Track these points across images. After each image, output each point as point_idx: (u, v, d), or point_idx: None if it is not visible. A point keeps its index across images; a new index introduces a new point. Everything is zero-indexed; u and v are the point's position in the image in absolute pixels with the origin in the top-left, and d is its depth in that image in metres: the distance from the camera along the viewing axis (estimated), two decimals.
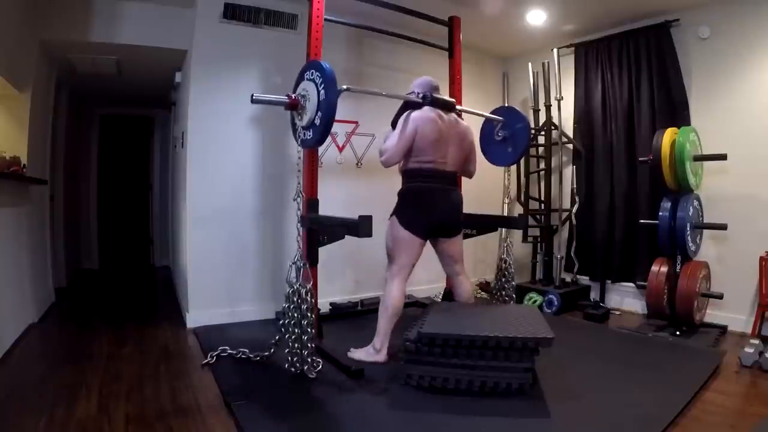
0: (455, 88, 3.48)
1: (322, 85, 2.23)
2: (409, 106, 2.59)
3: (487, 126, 3.26)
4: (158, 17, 3.39)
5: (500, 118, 3.13)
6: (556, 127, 4.15)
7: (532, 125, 4.37)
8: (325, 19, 2.81)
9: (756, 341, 2.74)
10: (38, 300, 3.35)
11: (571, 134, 4.19)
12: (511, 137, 3.09)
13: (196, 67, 3.28)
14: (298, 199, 2.47)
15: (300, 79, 2.45)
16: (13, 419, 1.88)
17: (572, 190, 4.11)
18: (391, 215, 2.56)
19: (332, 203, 3.11)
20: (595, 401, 2.10)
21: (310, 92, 2.30)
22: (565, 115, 4.19)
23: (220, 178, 3.32)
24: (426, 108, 2.53)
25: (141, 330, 3.16)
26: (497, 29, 4.11)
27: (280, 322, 2.35)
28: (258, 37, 3.44)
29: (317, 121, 2.27)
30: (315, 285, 2.78)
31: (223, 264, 3.34)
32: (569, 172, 4.18)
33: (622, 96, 3.84)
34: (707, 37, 3.43)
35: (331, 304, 3.54)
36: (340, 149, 3.66)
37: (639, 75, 3.73)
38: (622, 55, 3.83)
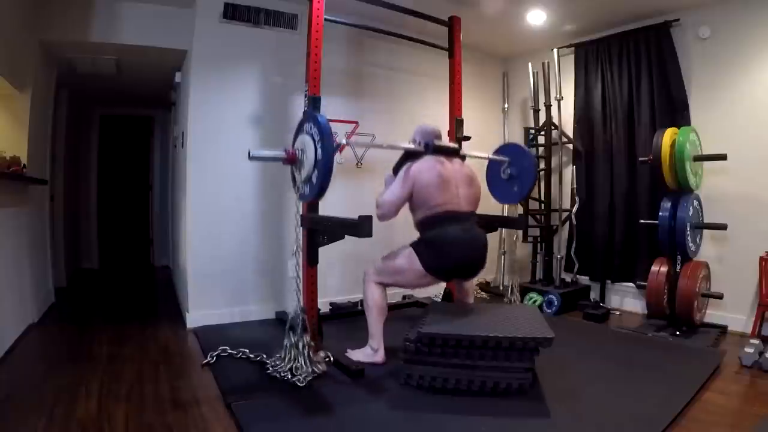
0: (455, 88, 3.48)
1: (319, 143, 2.18)
2: (411, 155, 2.54)
3: (493, 164, 3.21)
4: (158, 17, 3.39)
5: (505, 158, 3.08)
6: (556, 127, 4.15)
7: (532, 125, 4.38)
8: (325, 19, 2.81)
9: (756, 341, 2.74)
10: (38, 300, 3.35)
11: (571, 134, 4.19)
12: (517, 176, 3.04)
13: (196, 67, 3.28)
14: (297, 255, 2.45)
15: (299, 131, 2.41)
16: (13, 419, 1.88)
17: (572, 190, 4.11)
18: (412, 246, 2.45)
19: (332, 203, 3.11)
20: (594, 401, 2.10)
21: (308, 147, 2.25)
22: (565, 115, 4.19)
23: (220, 177, 3.32)
24: (426, 157, 2.49)
25: (141, 330, 3.16)
26: (497, 29, 4.11)
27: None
28: (258, 37, 3.44)
29: (314, 180, 2.21)
30: (315, 285, 2.79)
31: (223, 264, 3.34)
32: (569, 172, 4.18)
33: (622, 96, 3.84)
34: (707, 37, 3.43)
35: (331, 304, 3.54)
36: (341, 149, 3.65)
37: (639, 75, 3.73)
38: (622, 55, 3.83)
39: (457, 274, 2.49)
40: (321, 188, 2.18)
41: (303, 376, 2.23)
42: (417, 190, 2.41)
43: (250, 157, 2.33)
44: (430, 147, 2.51)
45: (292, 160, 2.37)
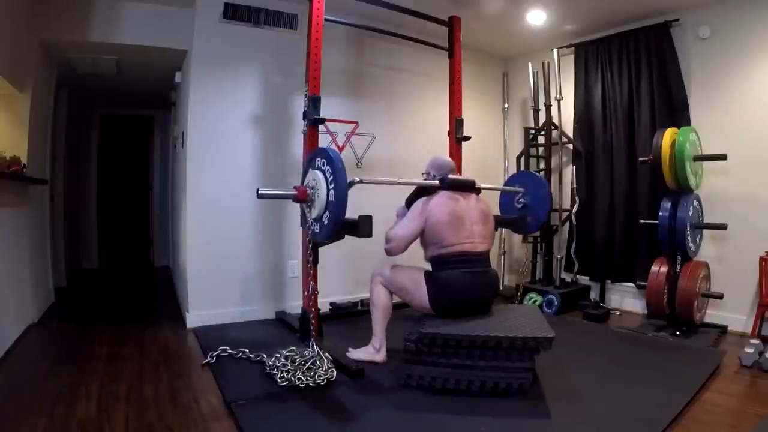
0: (455, 88, 3.49)
1: (332, 184, 2.08)
2: (425, 190, 2.48)
3: (506, 193, 3.18)
4: (158, 17, 3.39)
5: (521, 189, 3.05)
6: (556, 127, 4.15)
7: (532, 125, 4.38)
8: (325, 19, 2.81)
9: (756, 341, 2.75)
10: (38, 300, 3.35)
11: (571, 134, 4.19)
12: (532, 205, 3.00)
13: (196, 67, 3.28)
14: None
15: (309, 165, 2.33)
16: (13, 419, 1.88)
17: (572, 190, 4.11)
18: (425, 276, 2.36)
19: None
20: (594, 401, 2.10)
21: (320, 184, 2.16)
22: (565, 115, 4.19)
23: (220, 178, 3.33)
24: (441, 193, 2.41)
25: (141, 330, 3.16)
26: (497, 29, 4.11)
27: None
28: (258, 37, 3.44)
29: (325, 220, 2.13)
30: (315, 284, 2.78)
31: (223, 264, 3.34)
32: (569, 172, 4.18)
33: (622, 96, 3.84)
34: (707, 37, 3.43)
35: (331, 304, 3.54)
36: (341, 149, 3.64)
37: (639, 75, 3.73)
38: (622, 55, 3.83)
39: (465, 314, 2.34)
40: (333, 230, 2.09)
41: (318, 380, 2.23)
42: (429, 227, 2.33)
43: (259, 195, 2.23)
44: (446, 182, 2.42)
45: (303, 198, 2.26)
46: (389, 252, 2.38)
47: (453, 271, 2.30)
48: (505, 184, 3.25)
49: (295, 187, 2.29)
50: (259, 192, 2.22)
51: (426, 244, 2.41)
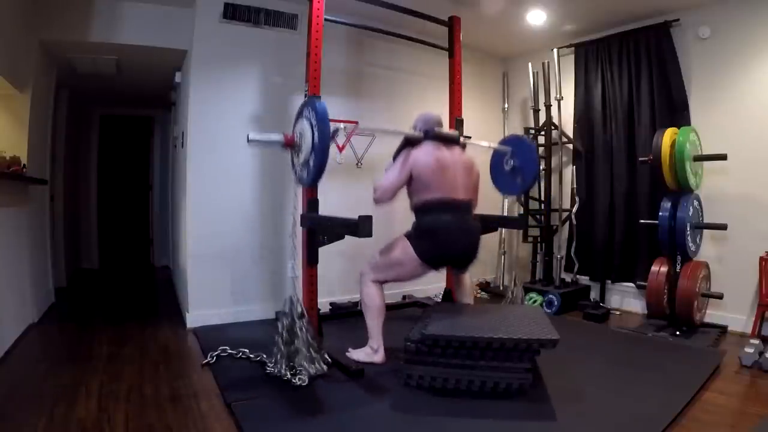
0: (455, 88, 3.48)
1: (316, 128, 2.21)
2: (410, 141, 2.56)
3: (496, 154, 3.22)
4: (158, 17, 3.39)
5: (507, 148, 3.09)
6: (556, 127, 4.15)
7: (532, 125, 4.38)
8: (325, 19, 2.81)
9: (756, 341, 2.75)
10: (38, 300, 3.35)
11: (571, 134, 4.19)
12: (520, 168, 3.04)
13: (196, 67, 3.28)
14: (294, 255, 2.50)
15: (299, 116, 2.44)
16: (13, 419, 1.88)
17: (572, 190, 4.10)
18: (406, 236, 2.47)
19: (332, 203, 3.12)
20: (594, 401, 2.10)
21: (306, 132, 2.29)
22: (565, 115, 4.19)
23: (220, 177, 3.33)
24: (426, 143, 2.51)
25: (141, 330, 3.16)
26: (497, 29, 4.11)
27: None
28: (258, 37, 3.44)
29: (311, 164, 2.27)
30: (315, 285, 2.79)
31: (223, 264, 3.34)
32: (569, 172, 4.18)
33: (622, 96, 3.84)
34: (707, 37, 3.43)
35: (331, 304, 3.54)
36: (340, 149, 3.65)
37: (639, 75, 3.73)
38: (622, 55, 3.83)
39: (449, 262, 2.51)
40: (318, 171, 2.22)
41: (305, 375, 2.22)
42: (415, 175, 2.43)
43: (249, 141, 2.35)
44: (430, 134, 2.52)
45: (290, 143, 2.40)
46: (377, 201, 2.48)
47: (436, 215, 2.40)
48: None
49: (284, 134, 2.41)
50: (249, 137, 2.34)
51: (411, 193, 2.50)
